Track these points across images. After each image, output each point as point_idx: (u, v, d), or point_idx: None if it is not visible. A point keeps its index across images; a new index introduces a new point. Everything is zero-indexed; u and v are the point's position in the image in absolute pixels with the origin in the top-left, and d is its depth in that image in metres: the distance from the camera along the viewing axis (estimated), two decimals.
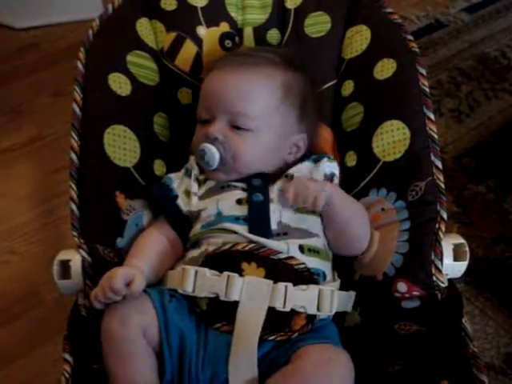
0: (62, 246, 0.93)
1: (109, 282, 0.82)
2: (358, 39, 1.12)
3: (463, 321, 0.89)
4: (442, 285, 0.91)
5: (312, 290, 0.88)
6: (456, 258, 0.91)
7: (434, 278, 0.90)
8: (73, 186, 0.95)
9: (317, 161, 1.02)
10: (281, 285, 0.86)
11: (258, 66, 1.02)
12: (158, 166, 1.08)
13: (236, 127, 0.99)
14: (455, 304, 0.91)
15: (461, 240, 0.92)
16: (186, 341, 0.85)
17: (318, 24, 1.16)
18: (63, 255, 0.90)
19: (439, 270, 0.90)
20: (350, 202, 0.98)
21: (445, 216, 0.93)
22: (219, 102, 1.00)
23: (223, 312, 0.86)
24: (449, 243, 0.91)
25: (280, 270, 0.88)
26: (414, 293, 0.91)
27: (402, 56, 1.06)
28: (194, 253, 0.93)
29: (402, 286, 0.92)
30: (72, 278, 0.89)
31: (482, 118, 1.79)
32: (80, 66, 1.03)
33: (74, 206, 0.94)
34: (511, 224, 1.44)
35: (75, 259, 0.89)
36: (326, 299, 0.88)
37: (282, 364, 0.81)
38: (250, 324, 0.84)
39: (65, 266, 0.90)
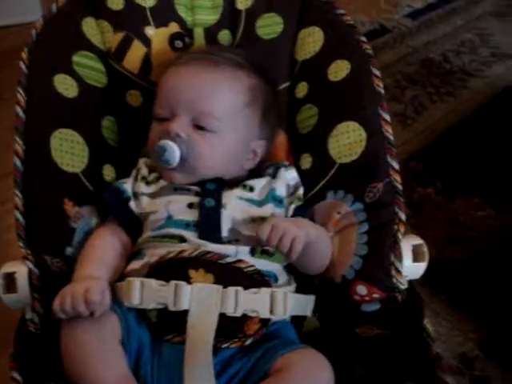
0: (6, 258, 0.89)
1: (84, 296, 0.79)
2: (311, 41, 1.11)
3: (425, 322, 0.89)
4: (402, 286, 0.91)
5: (264, 293, 0.86)
6: (415, 259, 0.91)
7: (394, 280, 0.90)
8: (18, 193, 0.91)
9: (274, 175, 1.01)
10: (231, 289, 0.84)
11: (223, 67, 1.00)
12: (108, 172, 1.05)
13: (199, 127, 0.97)
14: (416, 305, 0.92)
15: (419, 241, 0.92)
16: (144, 351, 0.83)
17: (269, 25, 1.14)
18: (8, 267, 0.87)
19: (399, 272, 0.90)
20: (318, 232, 0.94)
21: (403, 217, 0.93)
22: (182, 99, 0.97)
23: (173, 323, 0.83)
24: (408, 244, 0.91)
25: (229, 274, 0.86)
26: (374, 295, 0.91)
27: (356, 57, 1.06)
28: (135, 264, 0.91)
29: (361, 289, 0.91)
30: (18, 291, 0.86)
31: (428, 121, 1.81)
32: (23, 66, 0.98)
33: (19, 215, 0.90)
34: (461, 225, 1.46)
35: (21, 271, 0.86)
36: (279, 302, 0.86)
37: (261, 378, 0.80)
38: (201, 333, 0.82)
39: (10, 278, 0.86)
